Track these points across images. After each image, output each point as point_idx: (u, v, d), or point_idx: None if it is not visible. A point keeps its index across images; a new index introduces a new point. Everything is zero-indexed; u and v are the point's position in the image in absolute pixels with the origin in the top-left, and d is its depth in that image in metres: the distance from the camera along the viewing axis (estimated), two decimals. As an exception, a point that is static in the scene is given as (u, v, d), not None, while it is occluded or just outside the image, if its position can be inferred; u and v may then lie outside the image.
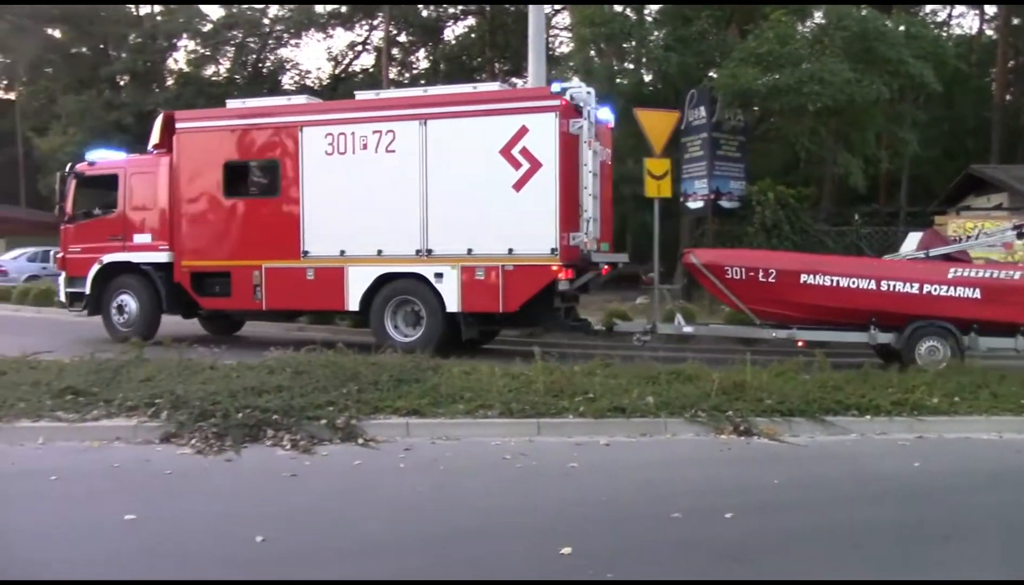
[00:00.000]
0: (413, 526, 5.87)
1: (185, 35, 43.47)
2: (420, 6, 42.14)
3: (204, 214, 15.15)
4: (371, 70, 47.23)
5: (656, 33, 22.59)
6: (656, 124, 15.94)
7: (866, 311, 12.58)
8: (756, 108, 20.84)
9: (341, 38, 47.47)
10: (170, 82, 43.33)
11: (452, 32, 45.69)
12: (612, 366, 10.39)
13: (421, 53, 47.76)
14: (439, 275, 13.58)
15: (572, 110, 13.33)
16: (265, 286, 14.49)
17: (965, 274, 12.45)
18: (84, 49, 44.68)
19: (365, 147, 14.10)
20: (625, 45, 22.35)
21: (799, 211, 19.62)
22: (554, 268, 13.01)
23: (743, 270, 12.95)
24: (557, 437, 8.28)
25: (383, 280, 13.94)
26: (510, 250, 13.19)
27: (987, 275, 12.48)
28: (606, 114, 14.46)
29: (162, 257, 15.36)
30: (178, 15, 43.08)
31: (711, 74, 20.06)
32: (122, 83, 42.08)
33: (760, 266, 12.97)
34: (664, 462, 7.65)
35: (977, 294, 12.30)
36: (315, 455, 7.59)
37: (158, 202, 15.55)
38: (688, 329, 13.88)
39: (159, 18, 43.32)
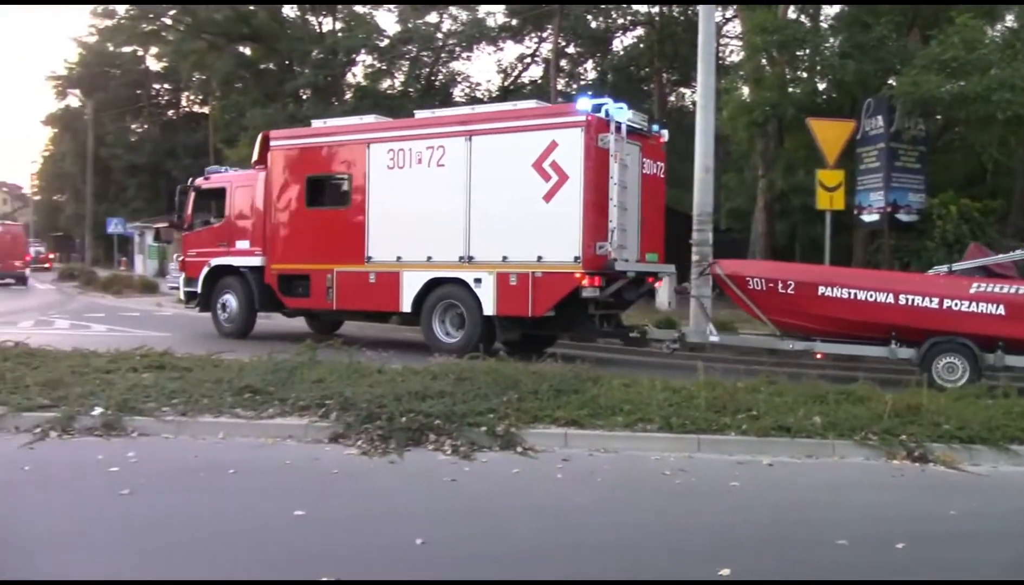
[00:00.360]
0: (569, 536, 5.85)
1: (363, 50, 45.22)
2: (589, 17, 42.29)
3: (289, 222, 16.97)
4: (539, 81, 47.73)
5: (832, 40, 21.77)
6: (829, 134, 15.42)
7: (885, 325, 12.47)
8: (939, 117, 19.78)
9: (511, 50, 48.29)
10: (348, 96, 45.18)
11: (620, 42, 45.61)
12: (777, 384, 10.06)
13: (589, 64, 47.89)
14: (478, 280, 14.63)
15: (602, 125, 13.94)
16: (336, 288, 16.01)
17: (988, 289, 12.11)
18: (271, 65, 47.21)
19: (419, 162, 15.33)
20: (799, 53, 21.65)
21: (984, 226, 18.48)
22: (577, 275, 13.78)
23: (763, 281, 13.17)
24: (718, 454, 8.09)
25: (432, 285, 15.11)
26: (539, 258, 14.14)
27: (1012, 290, 12.06)
28: (655, 128, 15.24)
29: (256, 261, 17.29)
30: (358, 31, 44.87)
31: (890, 82, 19.13)
32: (304, 97, 44.18)
33: (779, 277, 13.12)
34: (831, 485, 7.33)
35: (1001, 310, 11.91)
36: (475, 461, 7.70)
37: (255, 212, 17.52)
38: (714, 338, 14.08)
39: (339, 35, 45.25)
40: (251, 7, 43.59)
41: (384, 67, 46.48)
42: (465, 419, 8.36)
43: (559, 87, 41.06)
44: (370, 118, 17.18)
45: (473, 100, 51.02)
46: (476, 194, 14.79)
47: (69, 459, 7.60)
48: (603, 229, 13.90)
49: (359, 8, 46.73)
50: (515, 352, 14.24)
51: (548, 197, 14.11)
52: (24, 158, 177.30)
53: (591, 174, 13.83)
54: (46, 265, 59.39)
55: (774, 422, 8.49)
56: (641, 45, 43.33)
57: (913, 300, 12.32)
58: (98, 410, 8.70)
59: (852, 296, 12.58)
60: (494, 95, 50.25)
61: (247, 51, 47.42)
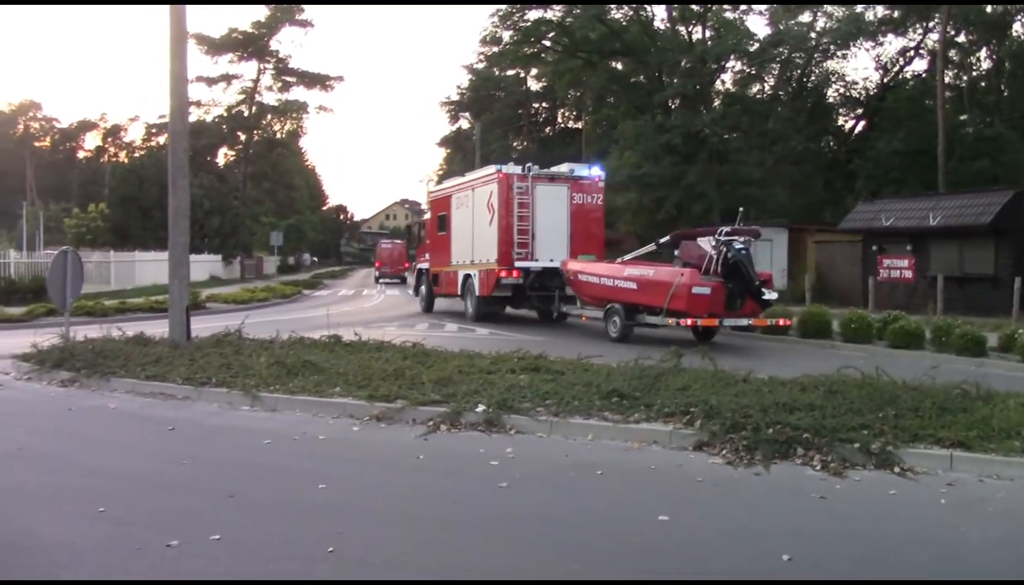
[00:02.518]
0: (955, 568, 5.36)
1: (732, 56, 44.73)
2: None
3: (431, 242, 27.74)
4: (923, 76, 44.25)
5: None
6: None
7: (601, 297, 19.48)
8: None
9: (891, 45, 45.06)
10: (716, 103, 44.91)
11: (1022, 26, 40.93)
12: None
13: (983, 52, 43.51)
14: (471, 275, 24.23)
15: (520, 178, 22.49)
16: (444, 281, 26.32)
17: (630, 272, 18.70)
18: (641, 78, 48.24)
19: (462, 205, 24.98)
20: None
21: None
22: (496, 270, 22.46)
23: (573, 273, 20.75)
24: None
25: (465, 278, 24.69)
26: (487, 259, 23.12)
27: (640, 272, 18.43)
28: (589, 173, 23.35)
29: (425, 266, 28.44)
30: (727, 37, 44.49)
31: None
32: (672, 106, 44.60)
33: (575, 270, 20.66)
34: None
35: (634, 285, 18.28)
36: (846, 479, 7.30)
37: (427, 236, 28.45)
38: (563, 309, 22.37)
39: (709, 43, 45.16)
40: (623, 23, 44.83)
41: (753, 72, 45.61)
42: (836, 434, 7.95)
43: (947, 80, 37.77)
44: (457, 179, 27.05)
45: (847, 100, 48.40)
46: (475, 224, 23.96)
47: (456, 451, 8.29)
48: (510, 242, 22.26)
49: (729, 14, 46.30)
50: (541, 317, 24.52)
51: (490, 223, 22.94)
52: (420, 177, 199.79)
53: (503, 209, 22.36)
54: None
55: None
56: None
57: (604, 280, 19.24)
58: (481, 407, 9.41)
59: (590, 280, 19.91)
60: (871, 93, 47.37)
61: (619, 65, 48.82)
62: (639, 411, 9.17)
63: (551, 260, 22.22)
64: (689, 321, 17.02)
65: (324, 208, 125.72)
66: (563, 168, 23.54)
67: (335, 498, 6.72)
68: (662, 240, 20.04)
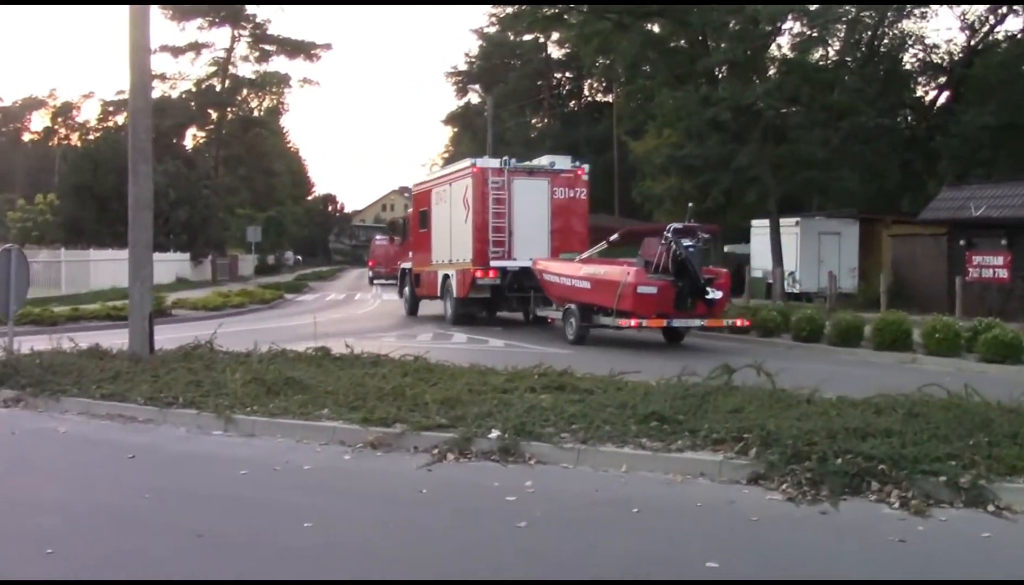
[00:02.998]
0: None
1: (790, 16, 44.55)
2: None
3: (416, 239, 29.93)
4: (1019, 36, 44.00)
5: None
6: None
7: (561, 296, 22.04)
8: None
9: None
10: (771, 71, 44.73)
11: None
12: None
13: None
14: (449, 275, 26.45)
15: (496, 172, 24.87)
16: (426, 282, 28.60)
17: (585, 271, 20.83)
18: (682, 42, 48.09)
19: (441, 200, 27.23)
20: None
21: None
22: (471, 270, 24.71)
23: (540, 272, 23.04)
24: None
25: (444, 279, 26.85)
26: (463, 259, 25.29)
27: (592, 271, 20.61)
28: (572, 165, 25.79)
29: (409, 265, 30.75)
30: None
31: None
32: (719, 76, 44.45)
33: (541, 269, 23.01)
34: None
35: (588, 285, 20.47)
36: (929, 519, 7.23)
37: (412, 234, 30.72)
38: (541, 313, 24.46)
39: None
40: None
41: (815, 34, 45.37)
42: (917, 465, 7.87)
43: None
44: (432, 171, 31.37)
45: (927, 66, 48.19)
46: (453, 221, 26.04)
47: (465, 484, 8.27)
48: (486, 240, 24.61)
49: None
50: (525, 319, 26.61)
51: (466, 220, 25.10)
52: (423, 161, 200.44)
53: (478, 205, 24.68)
54: None
55: None
56: None
57: (563, 280, 21.65)
58: (495, 433, 9.38)
59: (552, 280, 22.30)
60: (955, 58, 47.16)
61: (655, 28, 48.69)
62: (683, 437, 9.11)
63: (530, 259, 23.96)
64: (633, 322, 19.32)
65: (310, 198, 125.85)
66: (543, 161, 26.12)
67: (323, 538, 6.71)
68: (612, 238, 21.66)
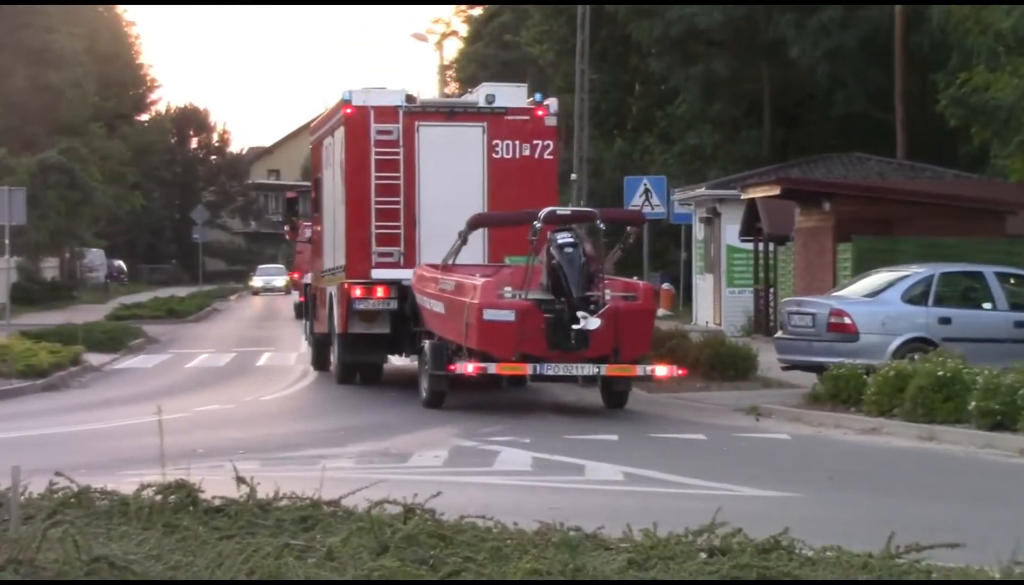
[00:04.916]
0: None
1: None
2: None
3: (313, 231, 21.40)
4: None
5: None
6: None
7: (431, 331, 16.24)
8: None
9: None
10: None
11: None
12: None
13: None
14: (332, 294, 18.21)
15: (365, 116, 16.48)
16: (318, 307, 19.90)
17: (443, 285, 15.12)
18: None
19: (329, 163, 18.86)
20: None
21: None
22: (346, 285, 17.18)
23: (418, 291, 16.15)
24: None
25: (330, 300, 18.43)
26: (340, 264, 17.82)
27: (448, 286, 14.90)
28: (512, 98, 17.20)
29: (309, 278, 22.43)
30: None
31: None
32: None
33: (418, 287, 16.14)
34: None
35: (442, 308, 14.92)
36: None
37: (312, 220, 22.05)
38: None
39: None
40: None
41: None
42: None
43: None
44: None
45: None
46: (336, 198, 17.95)
47: None
48: (366, 234, 16.52)
49: None
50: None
51: (343, 200, 17.43)
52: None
53: (354, 174, 16.46)
54: None
55: None
56: None
57: (423, 301, 15.66)
58: None
59: (422, 303, 15.66)
60: None
61: None
62: None
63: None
64: (470, 369, 13.84)
65: (146, 116, 67.77)
66: (478, 94, 17.72)
67: None
68: (462, 230, 15.66)
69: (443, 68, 58.92)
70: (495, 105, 16.79)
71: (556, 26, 45.34)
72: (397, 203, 16.24)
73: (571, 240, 14.16)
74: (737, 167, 36.62)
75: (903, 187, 27.86)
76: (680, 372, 15.14)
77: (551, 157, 17.09)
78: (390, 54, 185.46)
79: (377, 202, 16.17)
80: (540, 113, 16.95)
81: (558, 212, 15.15)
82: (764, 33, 39.01)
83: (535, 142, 16.74)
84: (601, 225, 16.22)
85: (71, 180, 42.59)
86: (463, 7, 61.47)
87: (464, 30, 62.60)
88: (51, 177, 41.76)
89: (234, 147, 77.68)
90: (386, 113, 16.30)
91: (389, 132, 16.20)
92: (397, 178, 16.18)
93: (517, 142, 16.63)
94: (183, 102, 74.96)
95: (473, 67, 56.66)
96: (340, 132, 16.96)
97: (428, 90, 42.93)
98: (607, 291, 14.35)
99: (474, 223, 15.49)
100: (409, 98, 16.70)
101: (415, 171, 16.35)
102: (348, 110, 16.51)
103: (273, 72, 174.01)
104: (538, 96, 17.61)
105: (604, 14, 40.59)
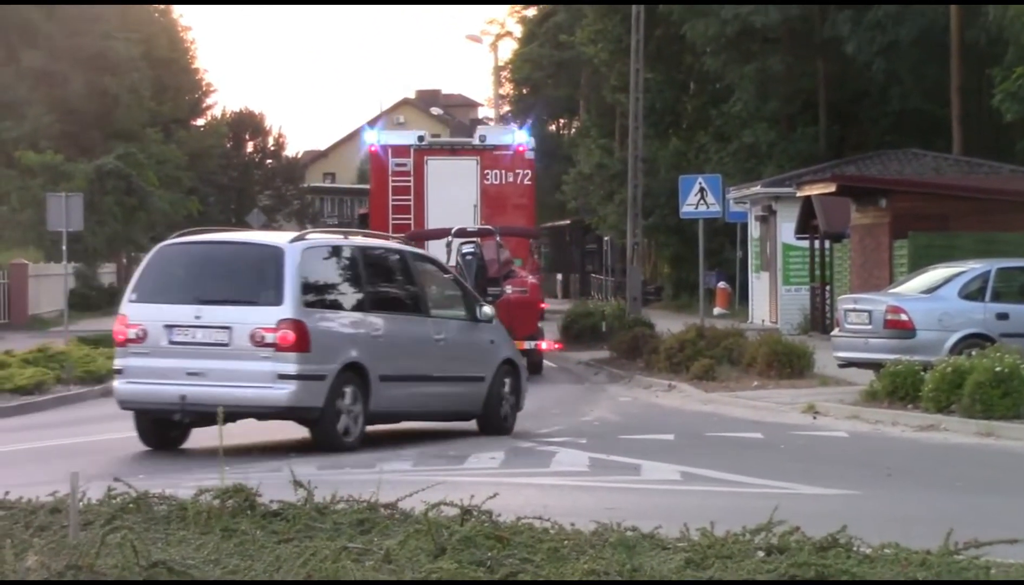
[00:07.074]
0: None
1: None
2: None
3: None
4: None
5: None
6: None
7: None
8: None
9: None
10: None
11: None
12: None
13: None
14: None
15: (384, 154, 21.49)
16: None
17: None
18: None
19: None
20: None
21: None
22: None
23: None
24: None
25: None
26: None
27: None
28: (501, 137, 22.14)
29: None
30: None
31: None
32: None
33: None
34: None
35: None
36: None
37: None
38: None
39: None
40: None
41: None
42: None
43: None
44: None
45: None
46: None
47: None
48: None
49: None
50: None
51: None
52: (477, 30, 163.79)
53: (377, 198, 21.77)
54: None
55: None
56: None
57: None
58: None
59: None
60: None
61: None
62: None
63: None
64: None
65: (202, 121, 65.49)
66: (474, 137, 22.18)
67: None
68: None
69: (498, 69, 59.41)
70: (487, 143, 21.31)
71: (610, 25, 45.48)
72: (409, 219, 20.23)
73: (470, 250, 17.52)
74: (792, 165, 36.53)
75: (959, 183, 27.78)
76: (557, 346, 19.50)
77: (529, 182, 21.77)
78: (445, 56, 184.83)
79: (394, 218, 20.07)
80: (521, 149, 21.37)
81: (467, 229, 18.47)
82: (819, 30, 38.88)
83: (517, 171, 21.34)
84: (498, 239, 18.80)
85: (128, 186, 42.71)
86: (517, 8, 61.72)
87: (518, 31, 62.37)
88: (108, 183, 42.00)
89: (289, 151, 73.09)
90: (401, 150, 20.65)
91: (404, 164, 20.37)
92: (409, 199, 20.39)
93: (503, 171, 21.15)
94: (239, 106, 69.39)
95: (528, 68, 57.29)
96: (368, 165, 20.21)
97: (484, 91, 43.47)
98: (508, 287, 18.15)
99: (409, 238, 17.66)
100: (419, 138, 21.06)
101: (424, 194, 20.46)
102: (372, 148, 20.99)
103: (327, 75, 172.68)
104: (520, 130, 22.42)
105: (658, 13, 40.66)
